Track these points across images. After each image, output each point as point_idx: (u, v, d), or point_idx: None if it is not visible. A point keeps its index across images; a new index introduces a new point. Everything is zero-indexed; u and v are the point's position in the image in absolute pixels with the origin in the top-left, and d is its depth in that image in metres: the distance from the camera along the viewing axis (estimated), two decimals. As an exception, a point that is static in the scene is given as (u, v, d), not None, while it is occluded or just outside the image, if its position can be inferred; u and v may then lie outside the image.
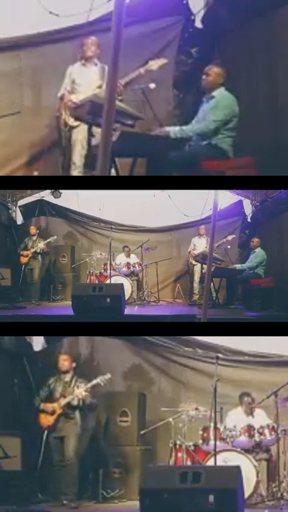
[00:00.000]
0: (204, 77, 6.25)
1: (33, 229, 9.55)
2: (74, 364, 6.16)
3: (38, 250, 9.25)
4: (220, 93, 6.19)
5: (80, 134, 6.80)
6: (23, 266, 9.18)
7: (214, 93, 6.19)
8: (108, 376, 5.97)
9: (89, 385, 5.93)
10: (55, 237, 9.64)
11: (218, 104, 6.12)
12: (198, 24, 8.22)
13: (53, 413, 5.89)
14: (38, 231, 9.61)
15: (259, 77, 7.30)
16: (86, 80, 6.87)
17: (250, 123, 7.17)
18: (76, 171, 6.88)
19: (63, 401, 5.90)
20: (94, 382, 5.94)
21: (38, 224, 10.20)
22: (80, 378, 6.11)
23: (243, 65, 7.53)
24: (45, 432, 5.88)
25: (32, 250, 9.21)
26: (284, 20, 6.79)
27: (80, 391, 5.87)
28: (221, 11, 7.73)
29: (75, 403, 5.89)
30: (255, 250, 8.86)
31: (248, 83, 7.43)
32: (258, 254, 8.81)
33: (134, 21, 7.56)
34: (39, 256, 9.32)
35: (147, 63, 6.79)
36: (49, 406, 5.91)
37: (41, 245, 9.27)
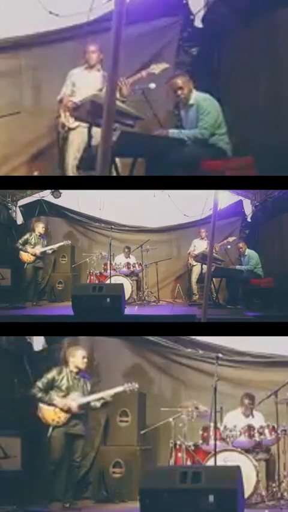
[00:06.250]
0: (174, 93, 6.18)
1: (41, 228, 9.09)
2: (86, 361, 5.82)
3: (49, 251, 8.98)
4: (196, 98, 6.15)
5: (77, 136, 6.80)
6: (26, 264, 8.89)
7: (191, 101, 6.16)
8: (136, 386, 5.66)
9: (115, 390, 5.62)
10: (69, 241, 9.39)
11: (200, 109, 6.08)
12: (198, 24, 8.22)
13: (67, 411, 5.52)
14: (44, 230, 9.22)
15: (259, 76, 7.29)
16: (86, 83, 6.88)
17: (250, 123, 7.17)
18: (72, 172, 6.88)
19: (81, 400, 5.56)
20: (121, 388, 5.63)
21: (46, 224, 9.78)
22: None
23: (243, 64, 7.52)
24: (50, 428, 5.53)
25: (41, 249, 8.88)
26: (284, 20, 6.79)
27: (105, 394, 5.58)
28: (221, 11, 7.73)
29: (97, 405, 5.61)
30: (245, 253, 8.88)
31: (248, 83, 7.42)
32: (250, 256, 8.82)
33: (134, 21, 7.55)
34: (45, 256, 9.11)
35: (149, 66, 6.82)
36: (64, 403, 5.51)
37: (54, 247, 8.98)
